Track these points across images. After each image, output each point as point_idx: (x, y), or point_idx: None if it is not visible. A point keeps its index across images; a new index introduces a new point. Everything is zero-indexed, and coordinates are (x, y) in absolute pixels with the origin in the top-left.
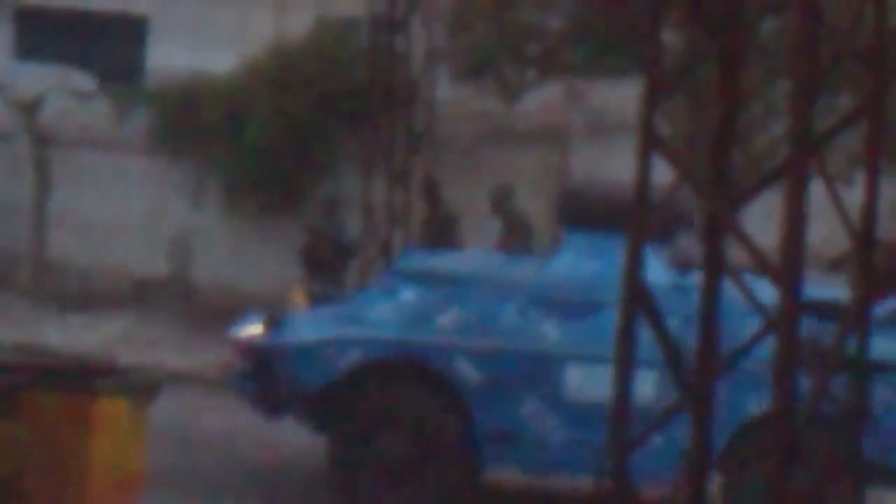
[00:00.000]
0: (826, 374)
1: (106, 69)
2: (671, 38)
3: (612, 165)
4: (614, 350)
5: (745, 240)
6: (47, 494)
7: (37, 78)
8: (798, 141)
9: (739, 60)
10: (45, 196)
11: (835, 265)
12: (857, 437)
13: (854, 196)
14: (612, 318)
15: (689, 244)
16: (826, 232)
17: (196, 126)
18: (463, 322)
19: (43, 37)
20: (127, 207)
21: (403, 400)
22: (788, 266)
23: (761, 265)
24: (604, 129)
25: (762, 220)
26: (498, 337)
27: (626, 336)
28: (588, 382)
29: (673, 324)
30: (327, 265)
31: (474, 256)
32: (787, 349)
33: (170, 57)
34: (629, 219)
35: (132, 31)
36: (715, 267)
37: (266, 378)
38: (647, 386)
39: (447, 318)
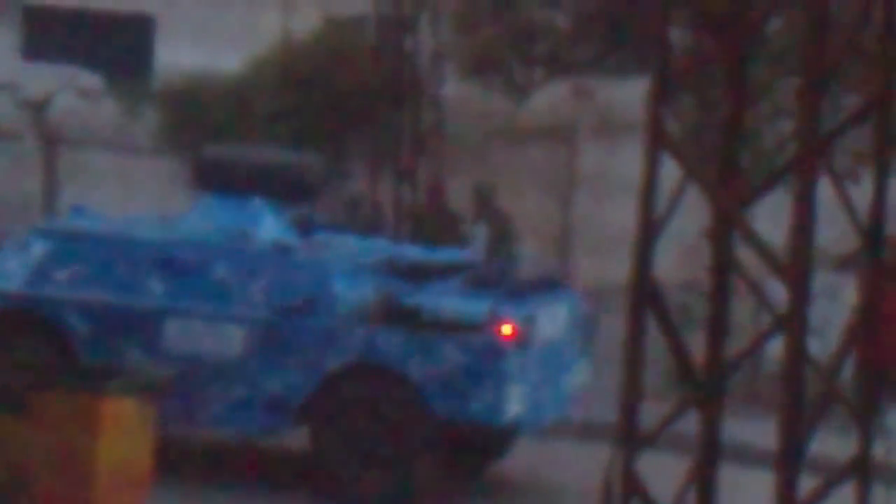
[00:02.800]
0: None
1: (113, 68)
2: (679, 35)
3: (620, 163)
4: (222, 307)
5: (752, 237)
6: (56, 493)
7: (44, 77)
8: (806, 139)
9: (745, 59)
10: (54, 195)
11: (843, 263)
12: (866, 437)
13: (861, 194)
14: (216, 276)
15: (311, 209)
16: (835, 231)
17: (203, 125)
18: (77, 277)
19: (50, 36)
20: (134, 206)
21: (22, 348)
22: (798, 263)
23: (771, 263)
24: (612, 127)
25: (770, 218)
26: (106, 292)
27: (635, 337)
28: (186, 336)
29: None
30: None
31: (130, 220)
32: (796, 345)
33: (177, 55)
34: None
35: (139, 30)
36: (723, 266)
37: None
38: (235, 342)
39: (64, 274)
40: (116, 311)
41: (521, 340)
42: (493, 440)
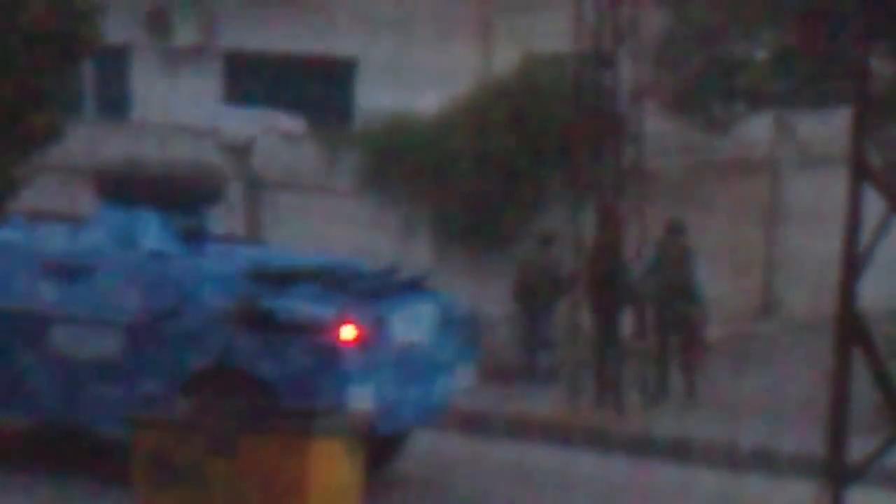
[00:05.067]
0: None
1: (315, 111)
2: (880, 66)
3: (823, 196)
4: (103, 311)
5: None
6: None
7: (247, 121)
8: None
9: None
10: (257, 238)
11: None
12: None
13: None
14: (100, 282)
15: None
16: None
17: (404, 166)
18: None
19: (251, 81)
20: (337, 249)
21: None
22: None
23: None
24: (814, 159)
25: None
26: (1, 297)
27: (842, 371)
28: (71, 340)
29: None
30: (541, 299)
31: (35, 229)
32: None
33: (377, 97)
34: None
35: (340, 72)
36: None
37: None
38: (114, 345)
39: None
40: (6, 317)
41: (367, 342)
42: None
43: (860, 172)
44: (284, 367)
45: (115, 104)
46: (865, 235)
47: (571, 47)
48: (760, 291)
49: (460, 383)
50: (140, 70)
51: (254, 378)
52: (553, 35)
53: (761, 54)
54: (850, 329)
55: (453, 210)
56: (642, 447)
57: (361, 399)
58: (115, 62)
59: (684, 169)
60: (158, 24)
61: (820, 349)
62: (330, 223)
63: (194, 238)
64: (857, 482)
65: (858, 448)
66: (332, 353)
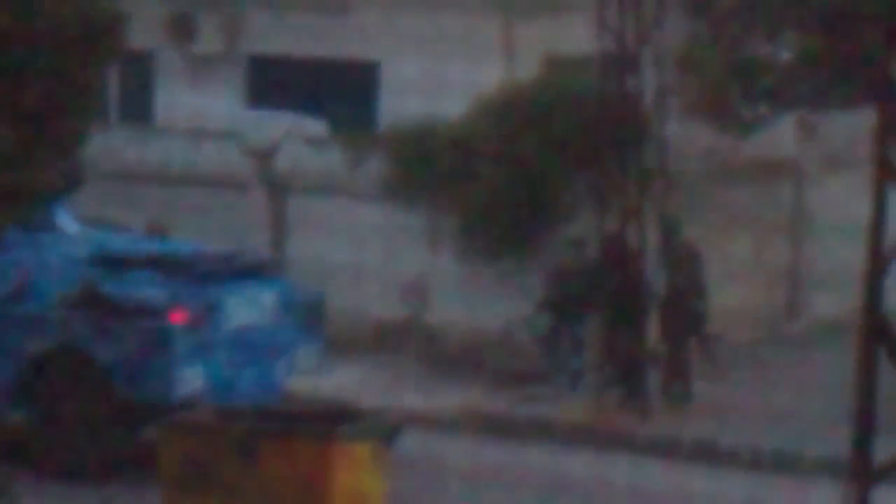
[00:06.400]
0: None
1: (339, 116)
2: None
3: (848, 197)
4: None
5: None
6: None
7: (270, 126)
8: None
9: None
10: (282, 243)
11: None
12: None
13: None
14: None
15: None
16: None
17: (429, 171)
18: None
19: (275, 85)
20: (362, 253)
21: None
22: None
23: None
24: (838, 161)
25: None
26: None
27: (867, 372)
28: None
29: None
30: (572, 302)
31: None
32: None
33: (401, 101)
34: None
35: (364, 77)
36: None
37: None
38: None
39: None
40: None
41: (198, 325)
42: None
43: (885, 173)
44: (119, 350)
45: (139, 110)
46: (890, 236)
47: (595, 50)
48: (785, 294)
49: (302, 365)
50: (164, 75)
51: (92, 361)
52: (576, 38)
53: (785, 55)
54: (875, 329)
55: (477, 213)
56: (668, 450)
57: (192, 380)
58: (138, 68)
59: (707, 171)
60: (182, 29)
61: (846, 352)
62: (354, 228)
63: (45, 226)
64: (884, 483)
65: (884, 449)
66: (162, 335)
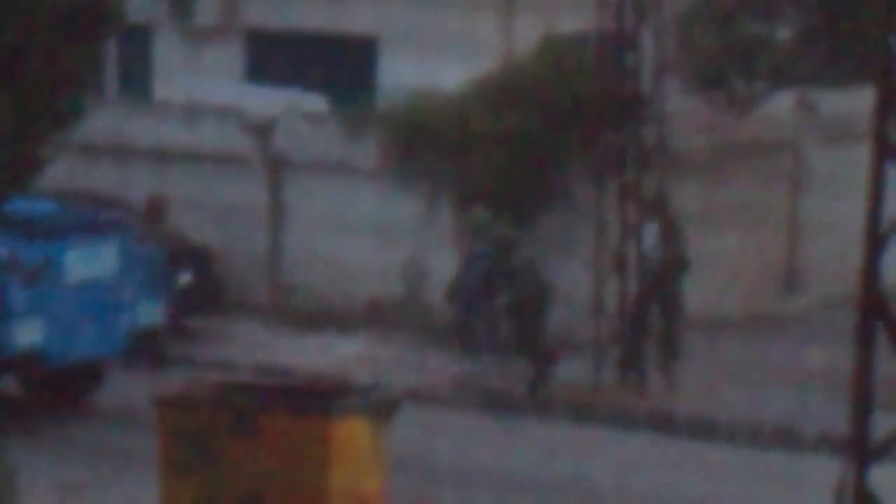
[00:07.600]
0: None
1: (337, 89)
2: None
3: (846, 174)
4: None
5: None
6: None
7: (268, 101)
8: None
9: None
10: (280, 219)
11: None
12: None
13: None
14: None
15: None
16: None
17: (426, 146)
18: None
19: (274, 59)
20: (359, 228)
21: None
22: None
23: None
24: (837, 137)
25: None
26: None
27: (865, 347)
28: None
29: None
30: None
31: None
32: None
33: (398, 74)
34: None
35: (362, 50)
36: None
37: None
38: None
39: None
40: None
41: (35, 279)
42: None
43: (883, 150)
44: None
45: (137, 83)
46: (888, 213)
47: (594, 26)
48: (784, 269)
49: (145, 319)
50: (162, 49)
51: None
52: (575, 13)
53: (783, 32)
54: (874, 305)
55: (475, 188)
56: (665, 424)
57: (29, 332)
58: (137, 41)
59: (707, 148)
60: (180, 2)
61: (845, 325)
62: (353, 202)
63: None
64: (882, 459)
65: (883, 424)
66: None
